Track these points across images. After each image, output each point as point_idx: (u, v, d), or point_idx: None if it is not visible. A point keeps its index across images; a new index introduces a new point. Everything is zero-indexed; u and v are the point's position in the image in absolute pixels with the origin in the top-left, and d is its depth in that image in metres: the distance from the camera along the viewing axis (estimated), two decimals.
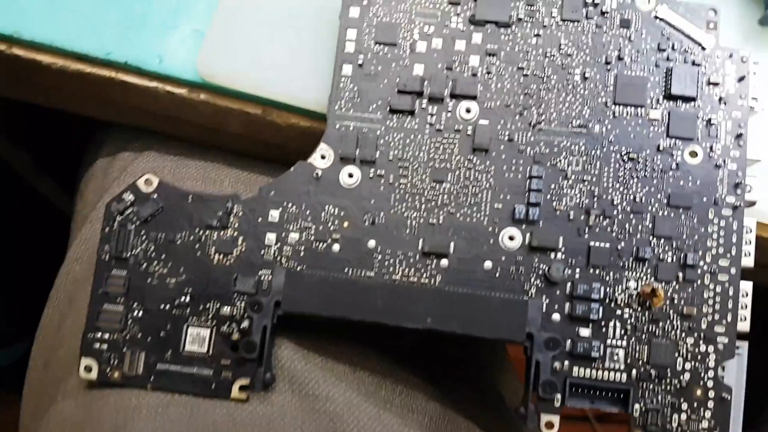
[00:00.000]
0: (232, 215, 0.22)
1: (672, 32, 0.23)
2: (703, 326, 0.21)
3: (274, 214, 0.22)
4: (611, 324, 0.21)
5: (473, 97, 0.23)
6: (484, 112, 0.23)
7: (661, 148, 0.22)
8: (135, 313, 0.22)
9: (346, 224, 0.22)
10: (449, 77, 0.23)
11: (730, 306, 0.21)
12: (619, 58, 0.23)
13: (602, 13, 0.23)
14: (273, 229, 0.22)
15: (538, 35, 0.23)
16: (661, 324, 0.21)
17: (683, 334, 0.21)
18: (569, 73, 0.23)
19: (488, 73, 0.23)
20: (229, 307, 0.22)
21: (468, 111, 0.23)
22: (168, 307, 0.22)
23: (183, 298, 0.22)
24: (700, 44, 0.22)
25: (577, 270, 0.22)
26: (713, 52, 0.22)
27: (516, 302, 0.21)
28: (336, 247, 0.22)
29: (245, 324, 0.22)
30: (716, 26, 0.22)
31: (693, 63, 0.22)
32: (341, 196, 0.22)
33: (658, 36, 0.23)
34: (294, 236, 0.22)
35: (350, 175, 0.22)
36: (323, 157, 0.23)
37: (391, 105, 0.23)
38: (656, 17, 0.23)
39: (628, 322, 0.21)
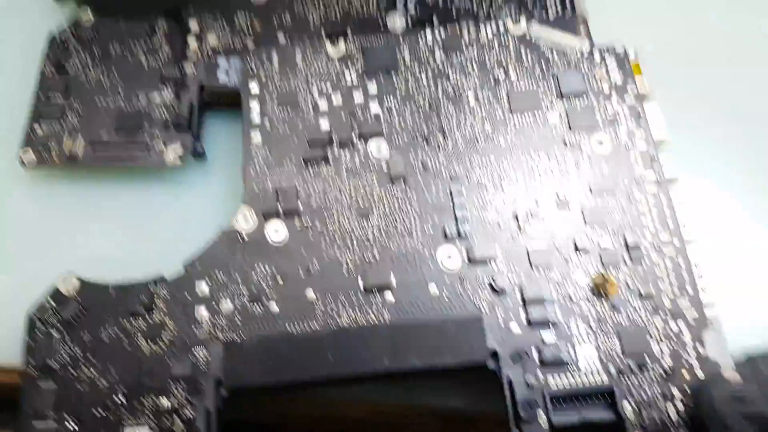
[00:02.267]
0: (158, 298, 0.20)
1: (548, 44, 0.23)
2: (667, 303, 0.19)
3: (203, 287, 0.20)
4: (572, 322, 0.19)
5: (380, 135, 0.22)
6: (394, 147, 0.22)
7: (567, 142, 0.21)
8: (69, 428, 0.19)
9: (280, 280, 0.20)
10: (354, 123, 0.22)
11: (686, 278, 0.20)
12: (505, 75, 0.23)
13: (482, 45, 0.23)
14: (203, 302, 0.20)
15: (425, 72, 0.23)
16: (623, 311, 0.19)
17: (649, 316, 0.19)
18: (463, 97, 0.22)
19: (389, 111, 0.22)
20: (167, 398, 0.19)
21: (378, 149, 0.22)
22: (101, 412, 0.19)
23: (116, 397, 0.19)
24: (575, 48, 0.23)
25: (521, 274, 0.20)
26: (591, 52, 0.23)
27: (471, 320, 0.19)
28: (273, 305, 0.20)
29: (186, 413, 0.19)
30: (588, 30, 0.23)
31: (575, 65, 0.22)
32: (271, 253, 0.20)
33: (537, 50, 0.23)
34: (227, 305, 0.20)
35: (276, 231, 0.21)
36: (245, 220, 0.21)
37: (304, 157, 0.22)
38: (529, 36, 0.23)
39: (590, 316, 0.19)
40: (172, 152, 0.23)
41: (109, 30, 0.25)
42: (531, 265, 0.20)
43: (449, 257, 0.20)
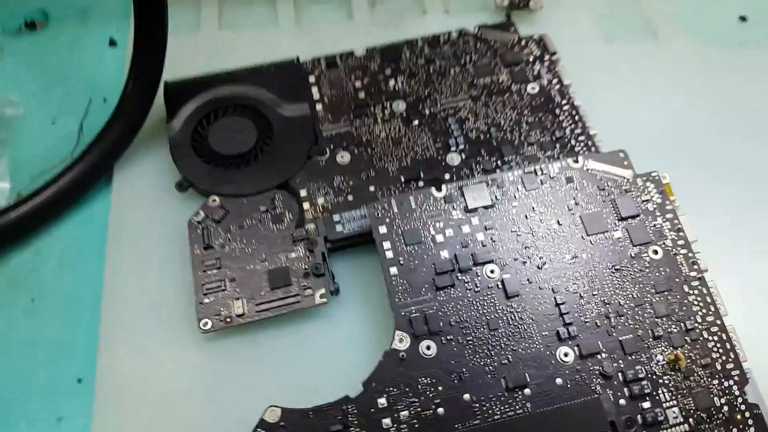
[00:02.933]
0: (350, 415, 0.25)
1: (603, 175, 0.30)
2: (719, 368, 0.26)
3: (382, 401, 0.25)
4: (660, 391, 0.26)
5: (491, 261, 0.28)
6: (503, 268, 0.28)
7: (632, 255, 0.28)
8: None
9: (440, 388, 0.26)
10: (468, 252, 0.28)
11: (728, 347, 0.27)
12: (576, 203, 0.29)
13: (551, 178, 0.30)
14: (386, 414, 0.25)
15: (515, 206, 0.29)
16: (692, 378, 0.26)
17: (709, 379, 0.26)
18: (547, 223, 0.29)
19: (493, 241, 0.28)
20: None
21: (492, 272, 0.28)
22: None
23: None
24: (624, 177, 0.30)
25: (620, 361, 0.26)
26: (635, 180, 0.30)
27: (592, 402, 0.25)
28: (440, 410, 0.25)
29: None
30: (629, 162, 0.30)
31: (626, 191, 0.29)
32: (427, 366, 0.26)
33: (595, 181, 0.30)
34: (404, 414, 0.25)
35: (428, 348, 0.26)
36: (401, 341, 0.26)
37: (436, 284, 0.27)
38: (588, 169, 0.30)
39: (671, 385, 0.26)
40: (318, 294, 0.28)
41: (236, 208, 0.30)
42: (625, 353, 0.26)
43: (566, 355, 0.26)
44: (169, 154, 0.32)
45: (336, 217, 0.30)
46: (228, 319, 0.28)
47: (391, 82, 0.35)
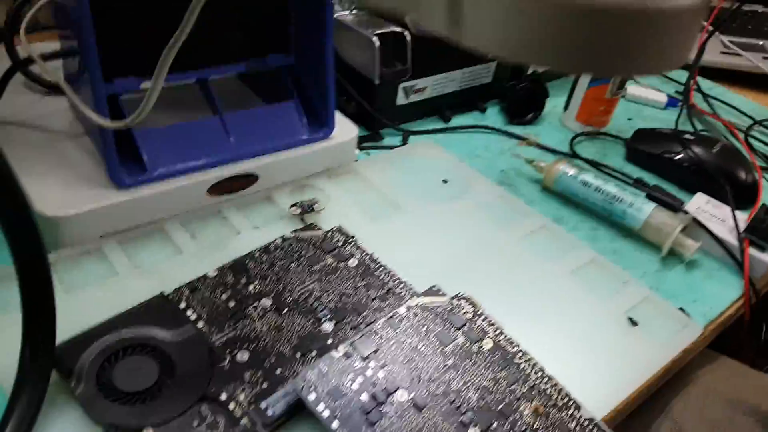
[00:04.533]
0: None
1: (431, 304, 0.41)
2: (560, 404, 0.38)
3: None
4: None
5: (398, 388, 0.35)
6: (408, 389, 0.35)
7: (475, 350, 0.39)
8: None
9: None
10: (379, 388, 0.35)
11: (558, 387, 0.38)
12: (426, 328, 0.39)
13: (404, 317, 0.39)
14: None
15: (392, 343, 0.38)
16: (550, 416, 0.37)
17: (560, 413, 0.37)
18: (416, 347, 0.38)
19: (392, 373, 0.36)
20: None
21: (401, 396, 0.35)
22: None
23: None
24: (443, 301, 0.41)
25: (507, 424, 0.36)
26: (451, 301, 0.41)
27: None
28: None
29: None
30: (443, 291, 0.41)
31: (450, 311, 0.41)
32: None
33: (429, 310, 0.40)
34: None
35: None
36: None
37: (370, 421, 0.34)
38: (420, 304, 0.40)
39: (541, 427, 0.36)
40: None
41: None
42: (506, 417, 0.36)
43: None
44: (76, 411, 0.33)
45: (263, 405, 0.34)
46: None
47: (250, 287, 0.41)
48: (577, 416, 0.36)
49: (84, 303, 0.39)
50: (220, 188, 0.48)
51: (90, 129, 0.47)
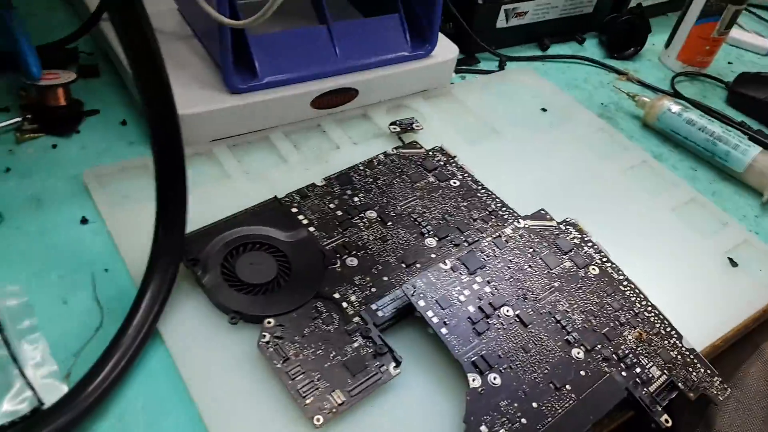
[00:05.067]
0: None
1: (539, 227, 0.40)
2: (663, 332, 0.37)
3: (484, 429, 0.31)
4: (640, 359, 0.35)
5: (504, 304, 0.36)
6: (513, 307, 0.36)
7: (581, 276, 0.39)
8: None
9: (516, 404, 0.32)
10: (485, 302, 0.35)
11: (661, 317, 0.37)
12: (533, 249, 0.39)
13: (511, 237, 0.39)
14: None
15: (498, 261, 0.38)
16: (652, 344, 0.36)
17: (661, 341, 0.37)
18: (523, 267, 0.38)
19: (497, 290, 0.36)
20: None
21: (508, 311, 0.35)
22: None
23: None
24: (552, 225, 0.40)
25: (609, 347, 0.35)
26: (558, 226, 0.41)
27: (609, 379, 0.34)
28: (524, 420, 0.31)
29: None
30: (550, 215, 0.41)
31: (557, 235, 0.40)
32: (500, 392, 0.32)
33: (536, 232, 0.40)
34: None
35: (494, 378, 0.33)
36: (474, 380, 0.32)
37: (477, 331, 0.34)
38: (528, 226, 0.40)
39: (644, 353, 0.36)
40: (391, 368, 0.32)
41: (290, 322, 0.34)
42: (609, 340, 0.36)
43: (578, 354, 0.35)
44: (201, 296, 0.34)
45: (373, 306, 0.35)
46: (334, 410, 0.30)
47: (356, 199, 0.41)
48: (679, 346, 0.36)
49: (200, 200, 0.40)
50: (323, 101, 0.48)
51: (203, 31, 0.47)
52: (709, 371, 0.35)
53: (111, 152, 0.43)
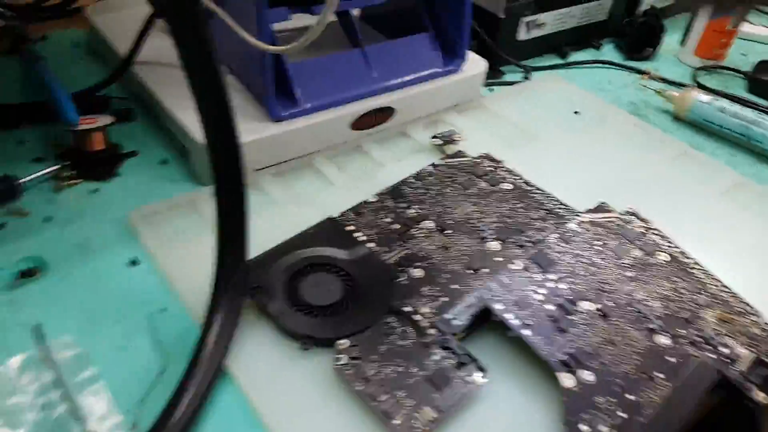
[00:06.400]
0: None
1: (602, 220, 0.38)
2: (741, 311, 0.35)
3: (584, 428, 0.28)
4: (725, 339, 0.33)
5: (582, 298, 0.33)
6: (592, 300, 0.33)
7: (652, 263, 0.36)
8: None
9: (611, 399, 0.29)
10: (563, 298, 0.33)
11: (738, 297, 0.35)
12: (601, 243, 0.37)
13: (576, 232, 0.37)
14: None
15: (567, 257, 0.35)
16: (733, 323, 0.34)
17: (742, 318, 0.34)
18: (593, 260, 0.35)
19: (573, 285, 0.34)
20: None
21: (587, 306, 0.33)
22: None
23: None
24: (615, 217, 0.38)
25: (692, 330, 0.33)
26: (621, 217, 0.38)
27: (701, 363, 0.31)
28: (622, 414, 0.29)
29: None
30: (611, 207, 0.38)
31: (620, 226, 0.38)
32: (595, 389, 0.29)
33: (600, 224, 0.38)
34: (604, 429, 0.28)
35: (588, 375, 0.30)
36: (568, 379, 0.30)
37: (561, 328, 0.32)
38: (590, 220, 0.38)
39: (727, 333, 0.33)
40: (477, 377, 0.30)
41: (364, 341, 0.31)
42: (689, 323, 0.33)
43: (663, 341, 0.32)
44: (267, 326, 0.32)
45: (447, 315, 0.33)
46: (426, 428, 0.28)
47: (410, 211, 0.39)
48: (759, 321, 0.34)
49: (251, 230, 0.38)
50: (362, 122, 0.46)
51: (240, 64, 0.46)
52: None
53: (154, 192, 0.42)
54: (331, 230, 0.37)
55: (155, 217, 0.39)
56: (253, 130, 0.42)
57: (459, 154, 0.45)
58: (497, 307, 0.32)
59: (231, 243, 0.31)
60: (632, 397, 0.29)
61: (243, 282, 0.32)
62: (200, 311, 0.32)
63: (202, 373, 0.29)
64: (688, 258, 0.36)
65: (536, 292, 0.33)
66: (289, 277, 0.34)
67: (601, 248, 0.36)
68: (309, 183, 0.44)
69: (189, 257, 0.36)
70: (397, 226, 0.38)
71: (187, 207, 0.40)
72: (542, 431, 0.29)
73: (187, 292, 0.34)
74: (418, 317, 0.32)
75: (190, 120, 0.42)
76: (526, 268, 0.34)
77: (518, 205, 0.40)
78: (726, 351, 0.32)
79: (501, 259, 0.36)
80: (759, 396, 0.30)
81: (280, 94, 0.43)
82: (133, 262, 0.36)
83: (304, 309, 0.33)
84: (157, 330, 0.32)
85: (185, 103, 0.42)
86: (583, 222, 0.38)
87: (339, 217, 0.38)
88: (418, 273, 0.35)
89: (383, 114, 0.47)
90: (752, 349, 0.32)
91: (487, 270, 0.35)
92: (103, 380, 0.30)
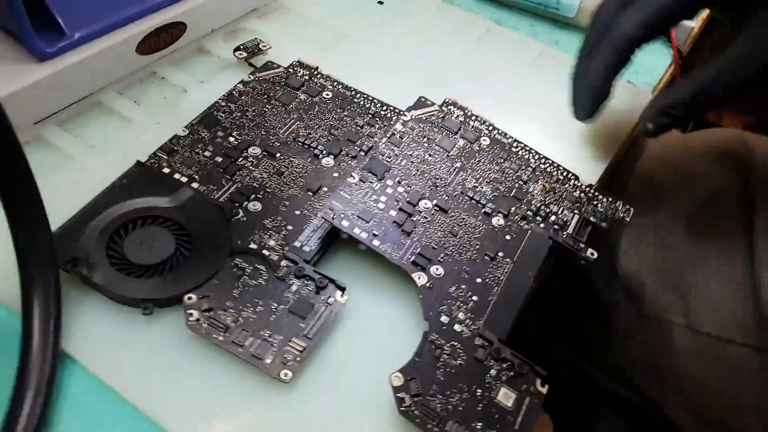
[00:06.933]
0: (437, 341, 0.30)
1: (425, 115, 0.39)
2: (560, 177, 0.39)
3: (444, 319, 0.31)
4: (550, 208, 0.37)
5: (421, 198, 0.35)
6: (429, 198, 0.35)
7: (476, 149, 0.39)
8: None
9: (463, 286, 0.32)
10: (403, 202, 0.34)
11: (554, 164, 0.39)
12: (426, 138, 0.38)
13: (403, 132, 0.38)
14: (453, 323, 0.31)
15: (400, 159, 0.37)
16: (556, 191, 0.38)
17: (562, 185, 0.39)
18: (424, 158, 0.37)
19: (409, 187, 0.35)
20: None
21: (426, 204, 0.35)
22: None
23: None
24: (435, 110, 0.40)
25: (522, 206, 0.37)
26: (441, 108, 0.40)
27: (532, 235, 0.35)
28: (475, 297, 0.32)
29: None
30: (431, 100, 0.40)
31: (442, 117, 0.40)
32: (447, 281, 0.32)
33: (424, 120, 0.39)
34: (460, 315, 0.31)
35: (437, 270, 0.32)
36: (419, 278, 0.32)
37: (405, 231, 0.33)
38: (414, 116, 0.39)
39: (552, 202, 0.38)
40: (338, 297, 0.31)
41: (213, 291, 0.31)
42: (519, 200, 0.37)
43: (498, 221, 0.36)
44: (98, 298, 0.30)
45: (297, 243, 0.32)
46: (297, 359, 0.28)
47: (231, 139, 0.37)
48: (579, 185, 0.38)
49: (47, 194, 0.33)
50: (150, 44, 0.42)
51: None
52: (610, 199, 0.38)
53: None
54: (143, 177, 0.34)
55: None
56: (15, 77, 0.36)
57: (269, 65, 0.43)
58: (344, 224, 0.32)
59: (24, 217, 0.27)
60: (479, 280, 0.32)
61: (52, 255, 0.28)
62: (8, 299, 0.28)
63: (38, 365, 0.26)
64: (507, 138, 0.40)
65: (377, 201, 0.34)
66: (108, 240, 0.31)
67: (428, 145, 0.38)
68: (103, 126, 0.39)
69: None
70: (220, 159, 0.36)
71: None
72: (408, 332, 0.31)
73: None
74: (266, 252, 0.32)
75: None
76: (362, 179, 0.35)
77: (343, 114, 0.40)
78: (554, 219, 0.36)
79: (337, 174, 0.36)
80: (587, 253, 0.35)
81: (41, 26, 0.36)
82: None
83: (134, 271, 0.30)
84: None
85: None
86: (407, 121, 0.39)
87: (149, 160, 0.35)
88: (255, 206, 0.34)
89: (173, 30, 0.43)
90: (576, 212, 0.37)
91: (326, 189, 0.35)
92: None
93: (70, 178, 0.36)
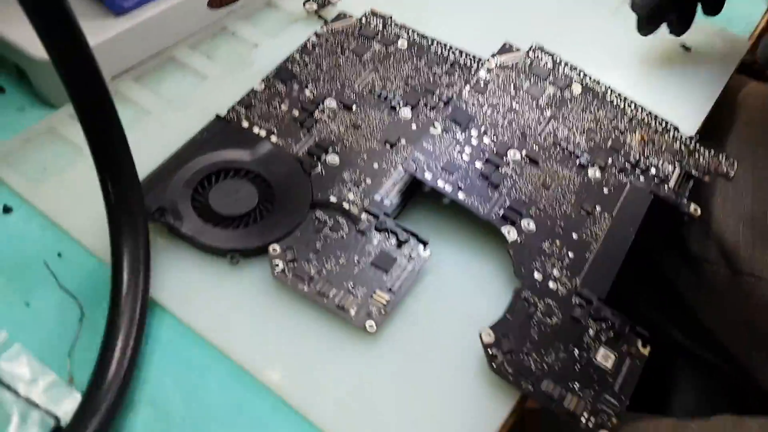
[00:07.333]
0: (532, 299, 0.29)
1: (511, 61, 0.38)
2: (660, 129, 0.37)
3: (538, 276, 0.30)
4: (649, 160, 0.35)
5: (509, 148, 0.34)
6: (519, 149, 0.34)
7: (568, 97, 0.37)
8: None
9: (558, 242, 0.31)
10: (489, 153, 0.33)
11: (657, 117, 0.37)
12: (514, 86, 0.37)
13: (489, 81, 0.37)
14: (546, 279, 0.30)
15: (488, 109, 0.35)
16: (655, 142, 0.36)
17: (663, 137, 0.36)
18: (511, 107, 0.36)
19: (496, 137, 0.34)
20: None
21: (515, 155, 0.34)
22: None
23: None
24: (521, 56, 0.38)
25: (620, 157, 0.35)
26: (527, 55, 0.38)
27: (632, 188, 0.34)
28: (570, 254, 0.31)
29: None
30: (516, 46, 0.38)
31: (529, 64, 0.38)
32: (541, 234, 0.31)
33: (510, 67, 0.38)
34: (555, 272, 0.30)
35: (528, 224, 0.31)
36: (509, 232, 0.31)
37: (493, 183, 0.32)
38: (500, 64, 0.38)
39: (651, 153, 0.36)
40: (421, 251, 0.31)
41: (296, 242, 0.31)
42: (617, 151, 0.35)
43: (594, 174, 0.34)
44: (185, 248, 0.31)
45: (377, 197, 0.32)
46: (382, 312, 0.28)
47: (306, 92, 0.37)
48: (678, 136, 0.36)
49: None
50: None
51: None
52: (712, 151, 0.36)
53: (1, 129, 0.36)
54: (223, 131, 0.34)
55: (13, 156, 0.34)
56: (93, 31, 0.36)
57: (341, 16, 0.42)
58: (427, 176, 0.32)
59: (114, 166, 0.28)
60: (575, 236, 0.31)
61: (141, 206, 0.29)
62: (100, 246, 0.29)
63: (128, 310, 0.27)
64: (600, 86, 0.38)
65: (462, 153, 0.33)
66: (193, 191, 0.31)
67: (515, 93, 0.36)
68: (179, 81, 0.40)
69: (67, 191, 0.33)
70: (297, 113, 0.36)
71: (47, 135, 0.35)
72: (496, 289, 0.30)
73: (79, 229, 0.31)
74: (346, 205, 0.32)
75: (20, 35, 0.35)
76: (445, 130, 0.34)
77: (420, 64, 0.39)
78: (654, 172, 0.34)
79: (415, 126, 0.35)
80: (691, 209, 0.33)
81: None
82: (6, 210, 0.32)
83: (221, 222, 0.31)
84: (58, 277, 0.29)
85: (9, 17, 0.35)
86: (491, 68, 0.37)
87: (228, 114, 0.35)
88: (333, 159, 0.34)
89: None
90: (678, 165, 0.35)
91: (404, 141, 0.35)
92: (17, 342, 0.27)
93: (149, 132, 0.36)
